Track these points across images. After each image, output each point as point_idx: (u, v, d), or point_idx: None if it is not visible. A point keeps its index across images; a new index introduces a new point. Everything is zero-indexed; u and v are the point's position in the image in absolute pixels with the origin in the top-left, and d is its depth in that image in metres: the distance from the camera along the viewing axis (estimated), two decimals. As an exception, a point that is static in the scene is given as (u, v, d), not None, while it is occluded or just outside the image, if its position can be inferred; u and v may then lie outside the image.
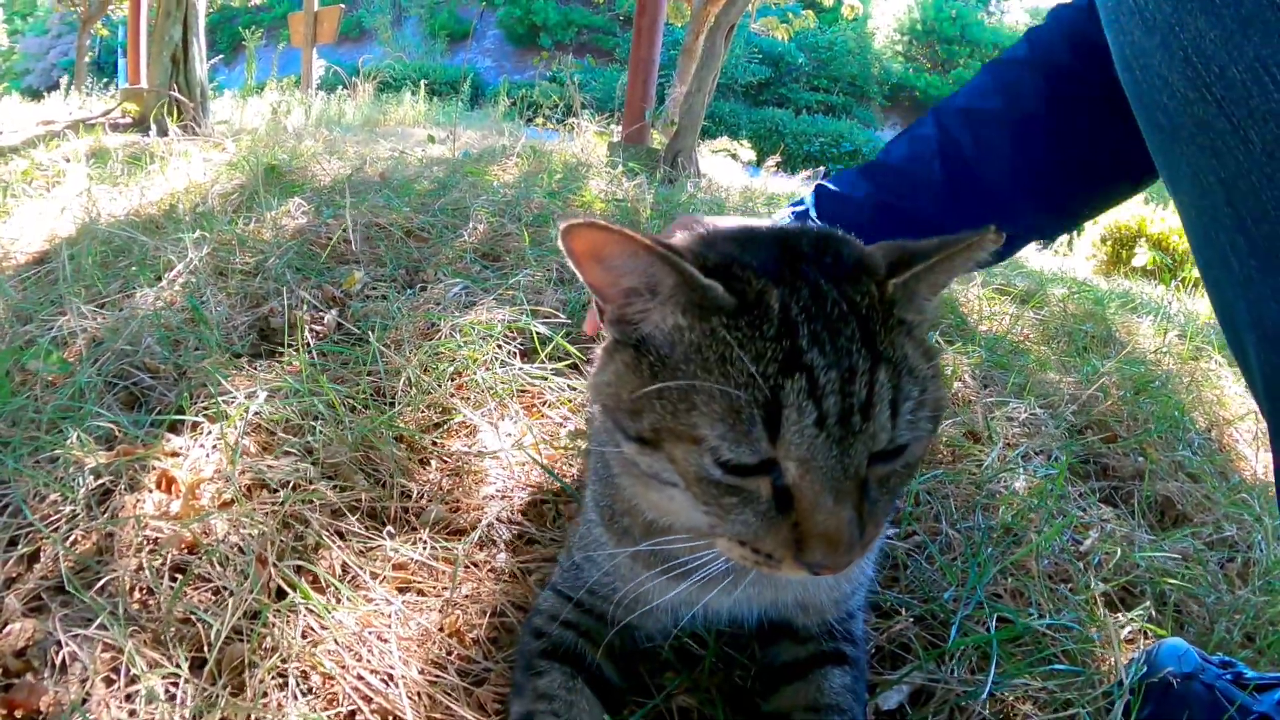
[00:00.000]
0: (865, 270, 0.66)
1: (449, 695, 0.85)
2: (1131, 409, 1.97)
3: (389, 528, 1.10)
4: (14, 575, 0.96)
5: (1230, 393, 2.36)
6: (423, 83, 9.14)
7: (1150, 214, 7.34)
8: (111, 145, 3.80)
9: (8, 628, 0.88)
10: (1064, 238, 6.26)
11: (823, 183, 1.19)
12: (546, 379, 1.49)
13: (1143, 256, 6.36)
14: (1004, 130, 1.07)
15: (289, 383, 1.33)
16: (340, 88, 7.76)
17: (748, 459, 0.60)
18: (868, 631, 0.99)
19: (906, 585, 1.11)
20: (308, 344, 1.46)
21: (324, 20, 8.59)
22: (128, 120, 4.97)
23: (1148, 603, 1.16)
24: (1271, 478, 1.89)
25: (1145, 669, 0.94)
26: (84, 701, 0.79)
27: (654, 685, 0.90)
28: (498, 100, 7.72)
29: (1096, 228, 7.56)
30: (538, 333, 1.58)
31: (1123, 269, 5.90)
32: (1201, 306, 4.27)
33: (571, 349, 1.59)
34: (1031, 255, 4.92)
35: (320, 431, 1.23)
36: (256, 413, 1.25)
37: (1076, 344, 2.54)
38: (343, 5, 9.66)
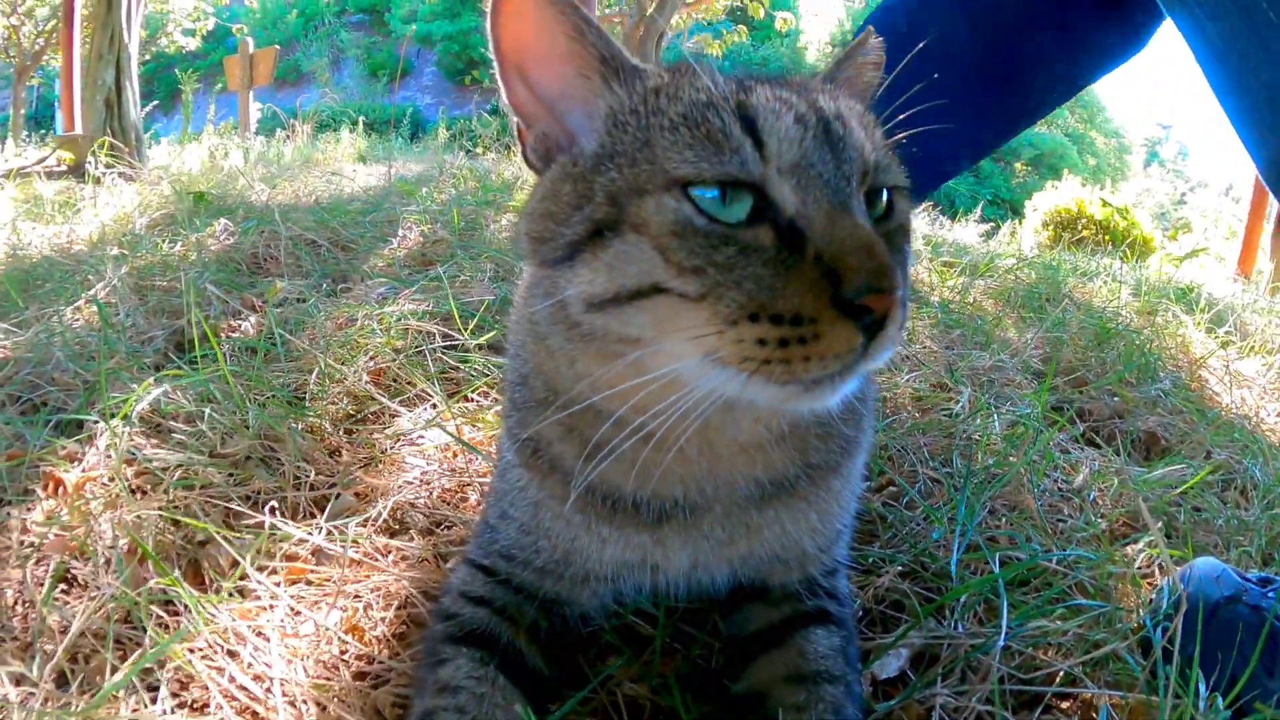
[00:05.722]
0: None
1: (341, 700, 0.69)
2: (1097, 355, 1.90)
3: (278, 516, 0.93)
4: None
5: (1193, 339, 2.31)
6: (360, 119, 8.94)
7: (1089, 196, 7.57)
8: (47, 193, 3.56)
9: None
10: (1007, 226, 6.36)
11: None
12: (469, 361, 1.33)
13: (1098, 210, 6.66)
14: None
15: (187, 373, 1.16)
16: (279, 130, 7.54)
17: (735, 171, 0.52)
18: (852, 590, 0.84)
19: (887, 540, 0.98)
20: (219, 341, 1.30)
21: (259, 63, 8.39)
22: (63, 168, 4.76)
23: (1155, 533, 1.04)
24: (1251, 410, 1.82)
25: (1179, 594, 0.81)
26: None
27: (594, 675, 0.74)
28: (436, 134, 7.59)
29: (1037, 214, 7.74)
30: (457, 311, 1.43)
31: (1066, 245, 6.00)
32: (1148, 271, 4.30)
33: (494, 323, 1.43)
34: (976, 241, 4.94)
35: (217, 419, 1.06)
36: (154, 407, 1.11)
37: (1031, 304, 2.48)
38: (278, 46, 9.51)
